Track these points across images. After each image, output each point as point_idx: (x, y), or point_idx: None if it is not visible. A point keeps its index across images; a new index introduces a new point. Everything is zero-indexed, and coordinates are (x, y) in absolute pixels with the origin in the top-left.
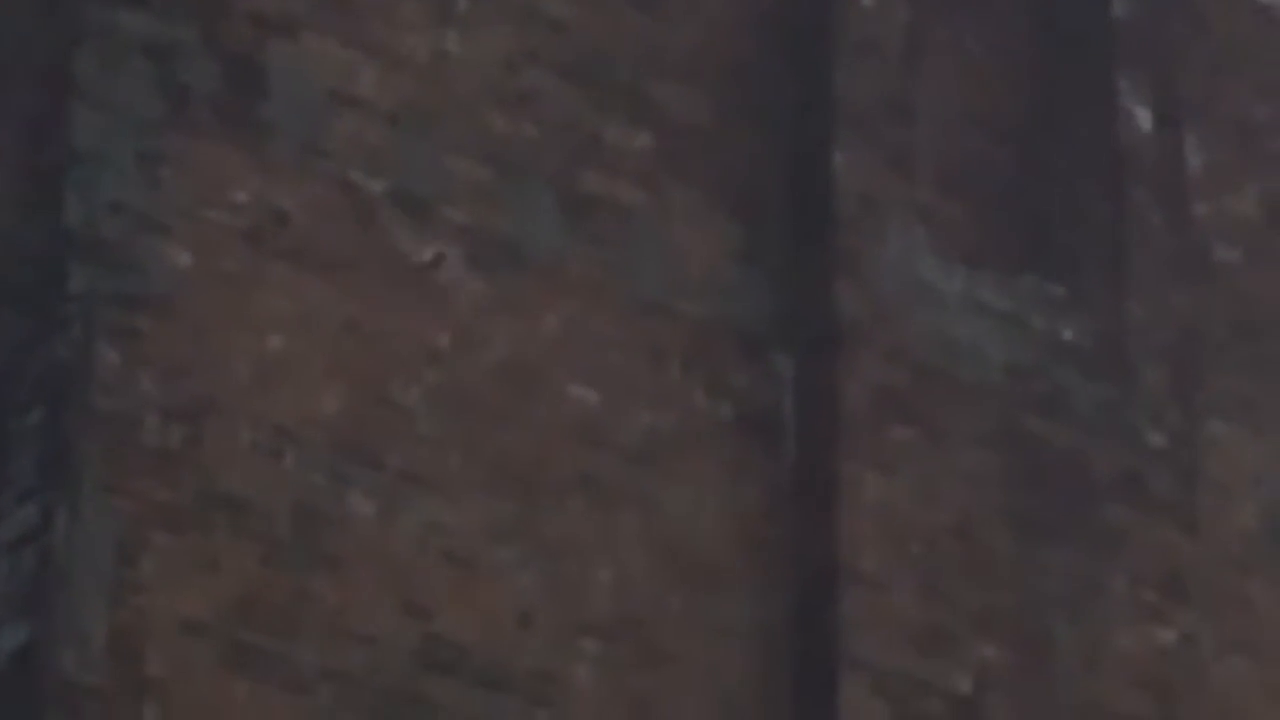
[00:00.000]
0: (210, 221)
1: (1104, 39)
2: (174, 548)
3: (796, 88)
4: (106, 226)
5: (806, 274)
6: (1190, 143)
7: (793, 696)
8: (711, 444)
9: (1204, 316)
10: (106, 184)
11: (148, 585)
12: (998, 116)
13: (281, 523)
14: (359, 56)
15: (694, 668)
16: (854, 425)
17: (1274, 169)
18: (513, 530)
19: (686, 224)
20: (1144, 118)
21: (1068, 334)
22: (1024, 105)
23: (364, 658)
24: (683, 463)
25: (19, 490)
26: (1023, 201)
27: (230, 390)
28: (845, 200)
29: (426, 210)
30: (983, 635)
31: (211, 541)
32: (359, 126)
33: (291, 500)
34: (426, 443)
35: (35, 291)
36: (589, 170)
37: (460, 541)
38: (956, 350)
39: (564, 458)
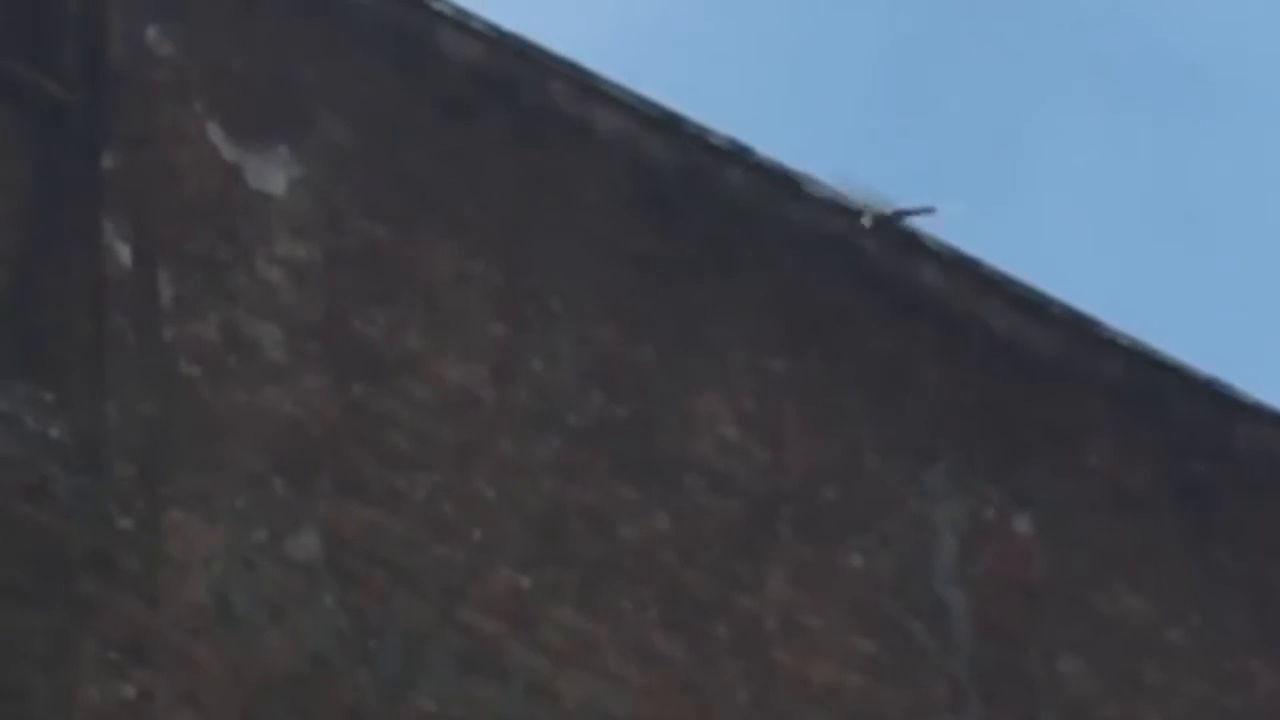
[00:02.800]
0: None
1: (94, 187)
2: None
3: None
4: None
5: None
6: (163, 277)
7: None
8: None
9: (169, 421)
10: None
11: None
12: None
13: None
14: None
15: None
16: None
17: (231, 301)
18: None
19: None
20: (124, 254)
21: (54, 432)
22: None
23: None
24: None
25: None
26: (20, 320)
27: None
28: None
29: None
30: None
31: None
32: None
33: None
34: None
35: None
36: None
37: None
38: None
39: None
